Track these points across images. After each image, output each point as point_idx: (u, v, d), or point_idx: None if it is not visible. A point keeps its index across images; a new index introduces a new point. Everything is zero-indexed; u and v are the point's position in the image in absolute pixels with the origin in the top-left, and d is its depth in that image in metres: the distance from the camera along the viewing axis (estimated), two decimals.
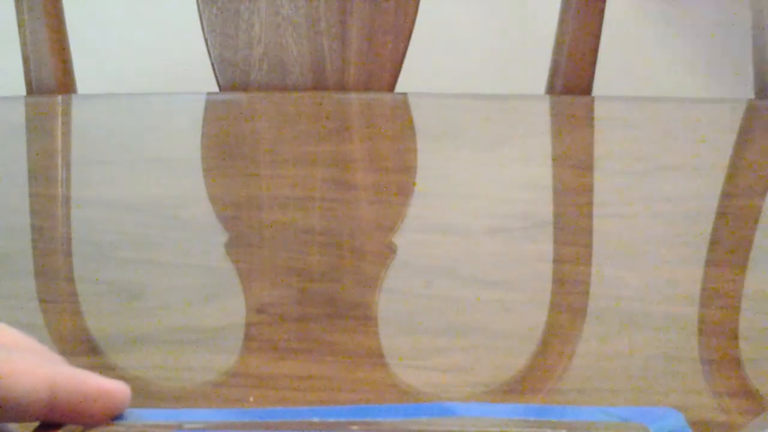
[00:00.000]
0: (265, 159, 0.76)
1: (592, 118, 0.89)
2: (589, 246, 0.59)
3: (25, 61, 0.98)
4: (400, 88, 1.02)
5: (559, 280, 0.55)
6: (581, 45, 0.97)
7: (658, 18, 1.75)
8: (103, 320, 0.50)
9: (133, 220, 0.63)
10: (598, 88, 0.98)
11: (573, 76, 0.97)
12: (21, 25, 0.97)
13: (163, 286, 0.54)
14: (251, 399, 0.38)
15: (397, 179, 0.71)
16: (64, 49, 0.99)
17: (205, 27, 1.01)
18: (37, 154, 0.78)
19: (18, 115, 0.89)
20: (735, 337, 0.49)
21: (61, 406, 0.30)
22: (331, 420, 0.31)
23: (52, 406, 0.30)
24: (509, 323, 0.50)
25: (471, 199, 0.67)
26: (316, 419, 0.31)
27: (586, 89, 0.98)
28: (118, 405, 0.31)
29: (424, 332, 0.48)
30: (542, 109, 0.90)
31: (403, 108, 0.92)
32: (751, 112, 0.89)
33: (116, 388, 0.31)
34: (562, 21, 0.98)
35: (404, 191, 0.69)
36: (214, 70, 1.02)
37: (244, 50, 1.02)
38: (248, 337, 0.48)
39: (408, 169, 0.74)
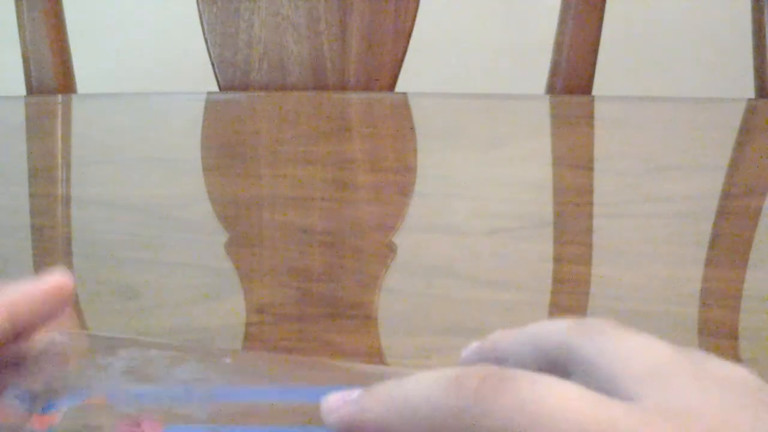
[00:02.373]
0: (265, 159, 0.76)
1: (592, 118, 0.89)
2: (589, 246, 0.59)
3: (25, 61, 0.98)
4: (400, 88, 1.02)
5: (559, 280, 0.55)
6: (581, 45, 0.97)
7: (658, 18, 1.75)
8: (103, 320, 0.50)
9: (133, 220, 0.63)
10: (598, 88, 0.98)
11: (573, 76, 0.97)
12: (21, 25, 0.98)
13: (163, 286, 0.54)
14: None
15: (397, 179, 0.71)
16: (64, 49, 0.99)
17: (205, 27, 1.01)
18: (37, 154, 0.78)
19: (18, 115, 0.89)
20: (735, 337, 0.49)
21: (21, 324, 0.32)
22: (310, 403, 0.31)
23: (15, 328, 0.32)
24: (509, 323, 0.49)
25: (471, 199, 0.67)
26: (296, 401, 0.31)
27: (586, 89, 0.98)
28: (67, 294, 0.33)
29: (424, 332, 0.48)
30: (542, 109, 0.90)
31: (403, 108, 0.92)
32: (751, 112, 0.89)
33: (59, 283, 0.33)
34: (562, 21, 0.98)
35: (404, 191, 0.69)
36: (214, 70, 1.02)
37: (244, 50, 1.02)
38: (248, 337, 0.48)
39: (408, 169, 0.74)
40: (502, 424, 0.24)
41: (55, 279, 0.33)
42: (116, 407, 0.32)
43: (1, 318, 0.31)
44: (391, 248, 0.58)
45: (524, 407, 0.23)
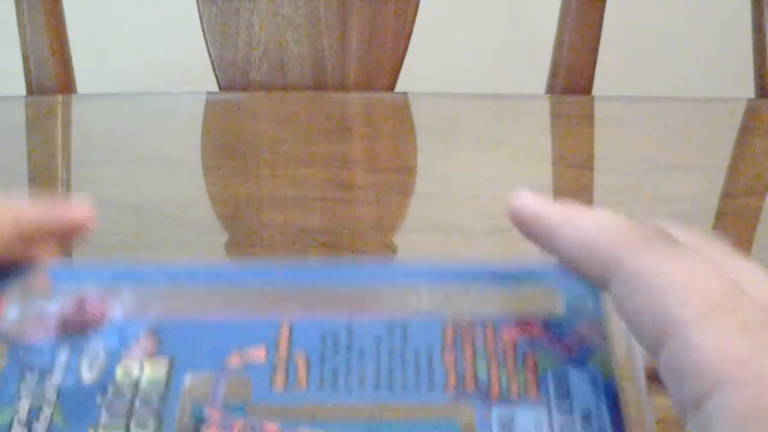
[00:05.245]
0: (265, 159, 0.76)
1: (592, 118, 0.89)
2: None
3: (25, 61, 0.98)
4: (400, 88, 1.02)
5: None
6: (581, 45, 0.97)
7: (658, 18, 1.75)
8: None
9: (133, 220, 0.63)
10: (598, 88, 0.98)
11: (573, 76, 0.97)
12: (21, 25, 0.98)
13: None
14: None
15: (397, 179, 0.71)
16: (64, 49, 0.99)
17: (205, 27, 1.01)
18: (37, 154, 0.78)
19: (18, 115, 0.89)
20: None
21: (28, 236, 0.31)
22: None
23: (21, 237, 0.31)
24: None
25: (471, 199, 0.67)
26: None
27: (586, 89, 0.98)
28: (85, 224, 0.33)
29: None
30: (542, 109, 0.90)
31: (403, 108, 0.92)
32: (751, 112, 0.89)
33: (80, 213, 0.33)
34: (562, 21, 0.98)
35: (404, 191, 0.69)
36: (214, 70, 1.02)
37: (244, 50, 1.02)
38: None
39: (408, 169, 0.74)
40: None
41: (80, 210, 0.33)
42: (58, 287, 0.31)
43: (9, 218, 0.31)
44: (391, 248, 0.58)
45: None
